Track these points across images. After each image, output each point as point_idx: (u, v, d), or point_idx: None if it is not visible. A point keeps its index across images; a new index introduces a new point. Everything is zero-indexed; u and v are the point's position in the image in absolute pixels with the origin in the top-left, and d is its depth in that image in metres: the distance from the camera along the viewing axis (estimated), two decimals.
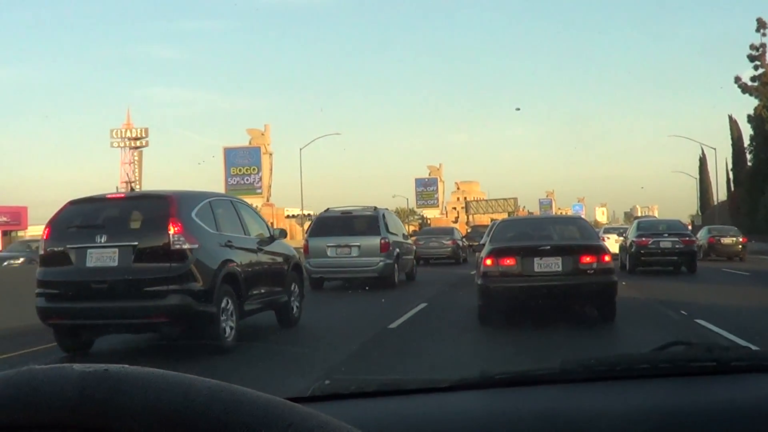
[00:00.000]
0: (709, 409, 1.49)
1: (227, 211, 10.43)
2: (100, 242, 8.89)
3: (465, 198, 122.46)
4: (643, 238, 22.90)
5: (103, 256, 8.88)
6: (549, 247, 10.87)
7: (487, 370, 1.71)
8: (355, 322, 12.52)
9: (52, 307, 9.05)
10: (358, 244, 18.97)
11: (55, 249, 9.13)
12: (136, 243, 8.89)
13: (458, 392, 1.68)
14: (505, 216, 54.64)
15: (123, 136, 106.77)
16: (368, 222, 19.41)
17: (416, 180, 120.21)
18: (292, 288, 11.72)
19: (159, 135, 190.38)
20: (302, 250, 18.49)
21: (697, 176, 76.61)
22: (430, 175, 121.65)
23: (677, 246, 22.59)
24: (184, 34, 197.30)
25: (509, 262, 10.69)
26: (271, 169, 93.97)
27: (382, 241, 19.01)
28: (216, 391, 0.62)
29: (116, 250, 8.87)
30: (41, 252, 9.40)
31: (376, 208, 20.23)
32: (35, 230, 70.33)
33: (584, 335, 10.34)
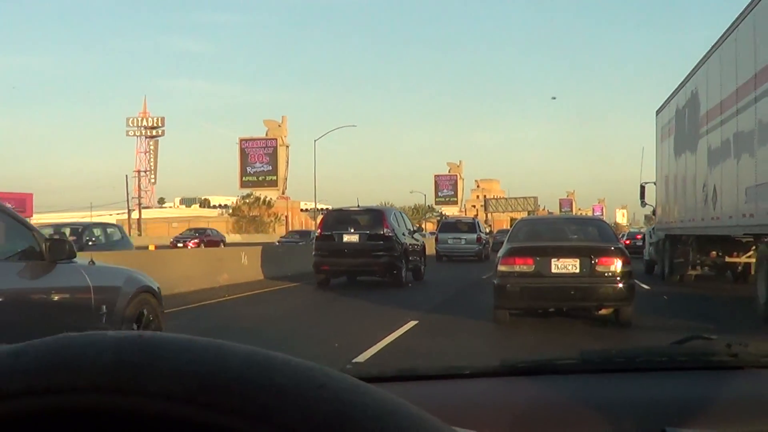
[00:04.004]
0: (725, 402, 1.52)
1: (398, 216, 20.19)
2: (350, 231, 18.64)
3: (485, 196, 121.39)
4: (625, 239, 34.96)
5: (351, 239, 18.59)
6: (566, 248, 10.98)
7: (508, 358, 1.78)
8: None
9: (322, 261, 18.73)
10: (465, 237, 33.62)
11: (326, 233, 18.88)
12: (368, 232, 18.62)
13: (479, 379, 1.72)
14: (524, 215, 57.88)
15: (139, 124, 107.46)
16: (471, 225, 35.04)
17: (436, 177, 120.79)
18: (421, 258, 21.42)
19: (176, 125, 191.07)
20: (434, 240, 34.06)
21: None
22: (450, 171, 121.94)
23: (637, 245, 35.47)
24: (204, 26, 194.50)
25: (526, 262, 10.74)
26: (287, 162, 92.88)
27: (478, 236, 34.04)
28: (250, 355, 0.64)
29: (358, 235, 18.58)
30: (317, 234, 19.19)
31: (474, 217, 37.88)
32: (41, 218, 64.99)
33: (604, 333, 10.72)
